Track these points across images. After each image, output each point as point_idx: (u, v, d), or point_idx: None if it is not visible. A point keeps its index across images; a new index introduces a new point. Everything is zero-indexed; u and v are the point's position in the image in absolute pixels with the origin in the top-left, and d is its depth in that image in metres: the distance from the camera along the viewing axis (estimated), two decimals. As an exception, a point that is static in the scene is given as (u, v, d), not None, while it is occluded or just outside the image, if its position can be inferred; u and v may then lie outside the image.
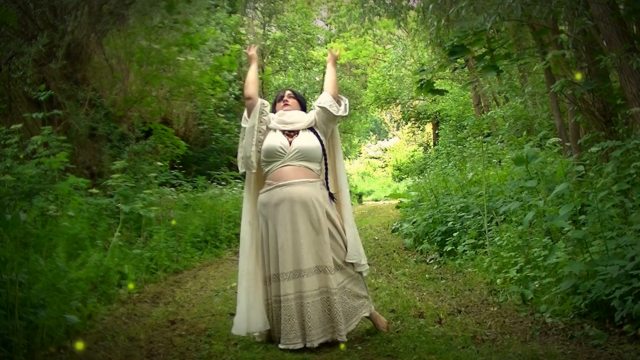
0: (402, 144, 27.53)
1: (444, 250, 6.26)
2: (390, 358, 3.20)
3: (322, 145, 3.61)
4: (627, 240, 3.62)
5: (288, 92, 3.83)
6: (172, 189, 8.34)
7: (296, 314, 3.34)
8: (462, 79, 14.27)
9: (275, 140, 3.55)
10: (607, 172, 4.18)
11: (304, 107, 3.80)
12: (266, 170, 3.57)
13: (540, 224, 4.69)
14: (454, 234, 6.34)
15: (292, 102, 3.77)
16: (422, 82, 5.02)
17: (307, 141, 3.57)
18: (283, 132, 3.61)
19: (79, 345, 3.28)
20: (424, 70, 5.18)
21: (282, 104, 3.75)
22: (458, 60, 5.16)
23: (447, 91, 8.61)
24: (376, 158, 28.79)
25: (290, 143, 3.54)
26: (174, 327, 3.96)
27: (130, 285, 4.92)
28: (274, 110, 3.77)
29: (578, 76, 5.09)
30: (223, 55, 10.98)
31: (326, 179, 3.65)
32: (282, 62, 18.33)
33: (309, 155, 3.54)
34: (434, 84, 5.15)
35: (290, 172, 3.49)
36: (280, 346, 3.35)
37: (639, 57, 4.24)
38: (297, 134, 3.60)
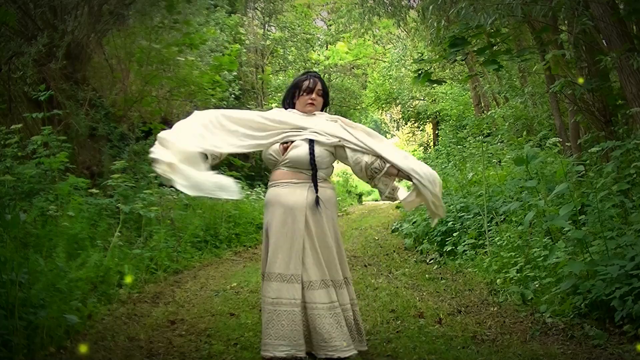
0: (402, 144, 27.51)
1: (444, 250, 6.26)
2: (390, 358, 3.20)
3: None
4: (627, 240, 3.62)
5: (318, 87, 3.15)
6: (172, 188, 8.32)
7: (284, 321, 2.92)
8: (462, 78, 14.26)
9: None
10: (607, 172, 4.17)
11: (326, 103, 3.26)
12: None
13: (540, 224, 4.69)
14: (454, 234, 6.34)
15: (319, 101, 3.17)
16: (420, 72, 5.01)
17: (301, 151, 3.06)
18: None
19: (83, 348, 3.26)
20: (422, 60, 5.18)
21: (307, 98, 3.13)
22: (457, 55, 5.16)
23: (445, 81, 8.62)
24: (376, 158, 28.71)
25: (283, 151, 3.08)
26: (174, 327, 3.95)
27: (129, 278, 4.88)
28: (292, 102, 3.19)
29: (580, 80, 5.08)
30: (223, 55, 10.98)
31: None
32: (282, 62, 18.32)
33: (300, 164, 3.07)
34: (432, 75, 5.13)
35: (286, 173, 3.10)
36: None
37: (639, 57, 4.25)
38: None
